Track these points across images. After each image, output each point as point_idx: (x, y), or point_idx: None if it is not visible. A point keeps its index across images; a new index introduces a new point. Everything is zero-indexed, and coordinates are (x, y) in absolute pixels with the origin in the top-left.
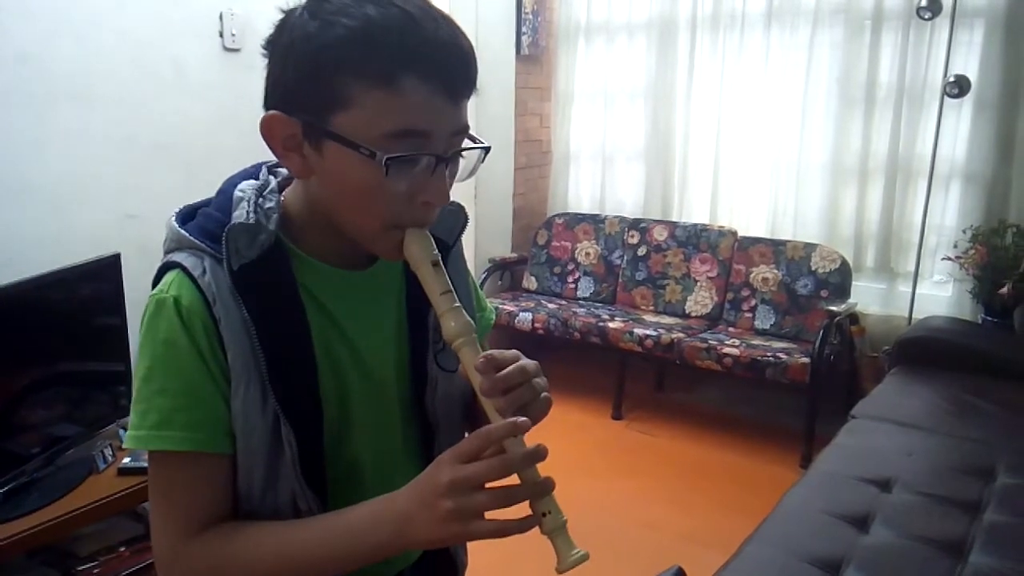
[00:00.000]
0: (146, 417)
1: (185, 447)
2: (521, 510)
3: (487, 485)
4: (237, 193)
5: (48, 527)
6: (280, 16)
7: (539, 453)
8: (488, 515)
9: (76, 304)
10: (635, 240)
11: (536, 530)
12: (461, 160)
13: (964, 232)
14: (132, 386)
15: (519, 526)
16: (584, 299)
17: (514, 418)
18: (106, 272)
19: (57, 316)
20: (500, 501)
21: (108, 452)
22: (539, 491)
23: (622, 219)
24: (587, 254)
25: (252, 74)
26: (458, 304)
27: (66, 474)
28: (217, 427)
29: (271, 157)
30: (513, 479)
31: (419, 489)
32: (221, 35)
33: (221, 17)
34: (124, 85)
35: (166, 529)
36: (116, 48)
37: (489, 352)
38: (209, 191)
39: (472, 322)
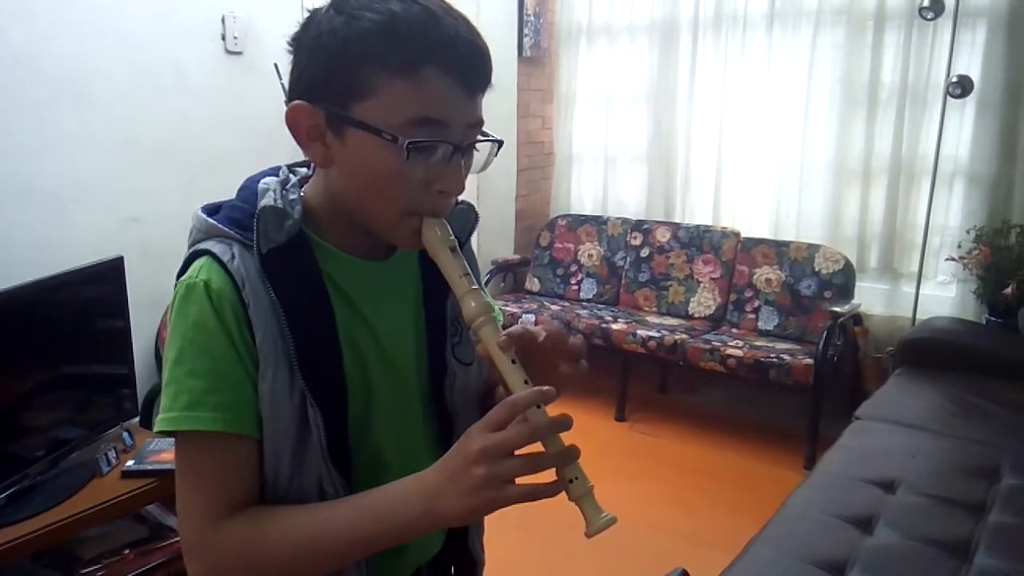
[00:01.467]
0: (177, 399)
1: (217, 427)
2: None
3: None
4: (261, 186)
5: (52, 530)
6: (283, 18)
7: (565, 421)
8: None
9: (79, 307)
10: (638, 241)
11: (542, 531)
12: (475, 154)
13: (968, 232)
14: (134, 379)
15: (550, 489)
16: (587, 301)
17: (539, 386)
18: (109, 275)
19: (60, 319)
20: (530, 466)
21: (112, 455)
22: (565, 458)
23: (625, 220)
24: (590, 255)
25: (254, 77)
26: (476, 286)
27: (70, 477)
28: (246, 409)
29: (274, 160)
30: (537, 448)
31: (449, 462)
32: (223, 38)
33: (223, 20)
34: (125, 87)
35: (195, 512)
36: (117, 50)
37: (510, 330)
38: (211, 194)
39: (491, 303)
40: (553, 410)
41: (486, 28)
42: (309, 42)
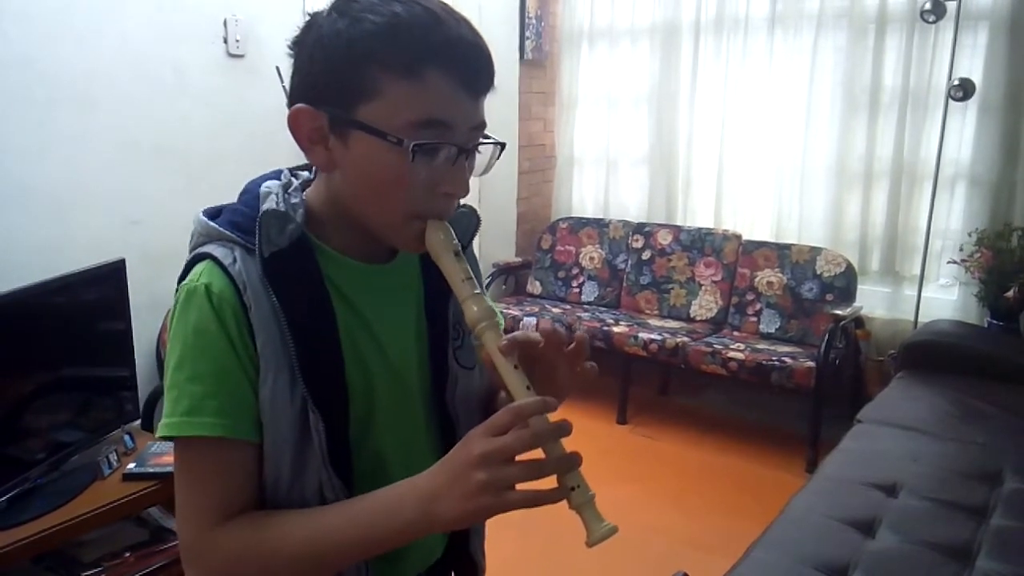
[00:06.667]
0: (178, 404)
1: (216, 433)
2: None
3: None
4: (263, 189)
5: (53, 533)
6: (285, 21)
7: (565, 427)
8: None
9: (81, 310)
10: (639, 244)
11: (543, 535)
12: (477, 157)
13: (969, 235)
14: (136, 381)
15: (550, 496)
16: (588, 303)
17: (543, 396)
18: (111, 278)
19: (62, 322)
20: (531, 473)
21: (113, 458)
22: (567, 465)
23: (626, 223)
24: (591, 258)
25: (256, 79)
26: (479, 291)
27: (71, 480)
28: (246, 414)
29: (275, 163)
30: (538, 455)
31: (449, 465)
32: (225, 41)
33: (225, 23)
34: (126, 90)
35: (193, 516)
36: (118, 53)
37: (512, 335)
38: (212, 197)
39: (493, 308)
40: (554, 413)
41: (488, 30)
42: (311, 45)
